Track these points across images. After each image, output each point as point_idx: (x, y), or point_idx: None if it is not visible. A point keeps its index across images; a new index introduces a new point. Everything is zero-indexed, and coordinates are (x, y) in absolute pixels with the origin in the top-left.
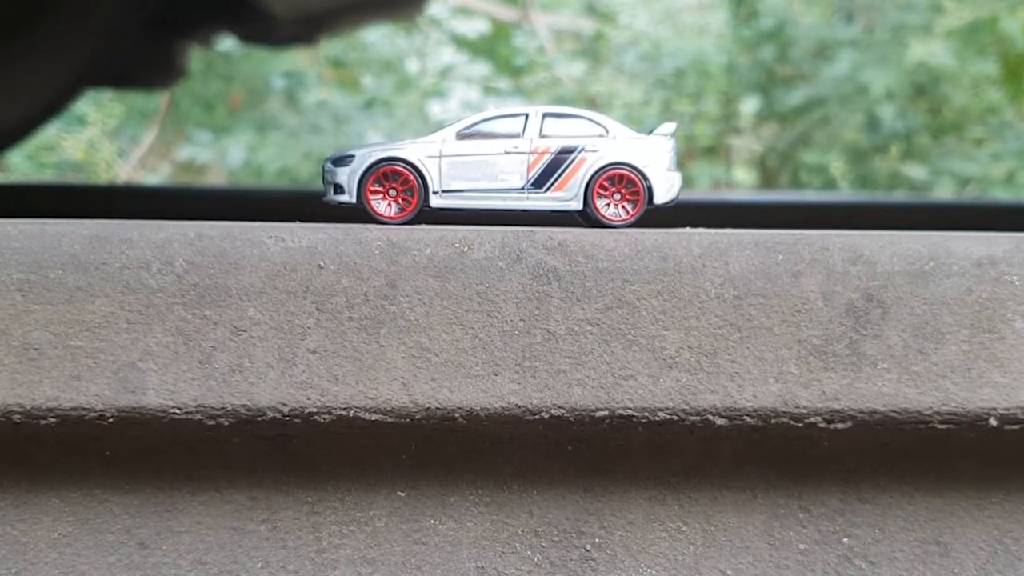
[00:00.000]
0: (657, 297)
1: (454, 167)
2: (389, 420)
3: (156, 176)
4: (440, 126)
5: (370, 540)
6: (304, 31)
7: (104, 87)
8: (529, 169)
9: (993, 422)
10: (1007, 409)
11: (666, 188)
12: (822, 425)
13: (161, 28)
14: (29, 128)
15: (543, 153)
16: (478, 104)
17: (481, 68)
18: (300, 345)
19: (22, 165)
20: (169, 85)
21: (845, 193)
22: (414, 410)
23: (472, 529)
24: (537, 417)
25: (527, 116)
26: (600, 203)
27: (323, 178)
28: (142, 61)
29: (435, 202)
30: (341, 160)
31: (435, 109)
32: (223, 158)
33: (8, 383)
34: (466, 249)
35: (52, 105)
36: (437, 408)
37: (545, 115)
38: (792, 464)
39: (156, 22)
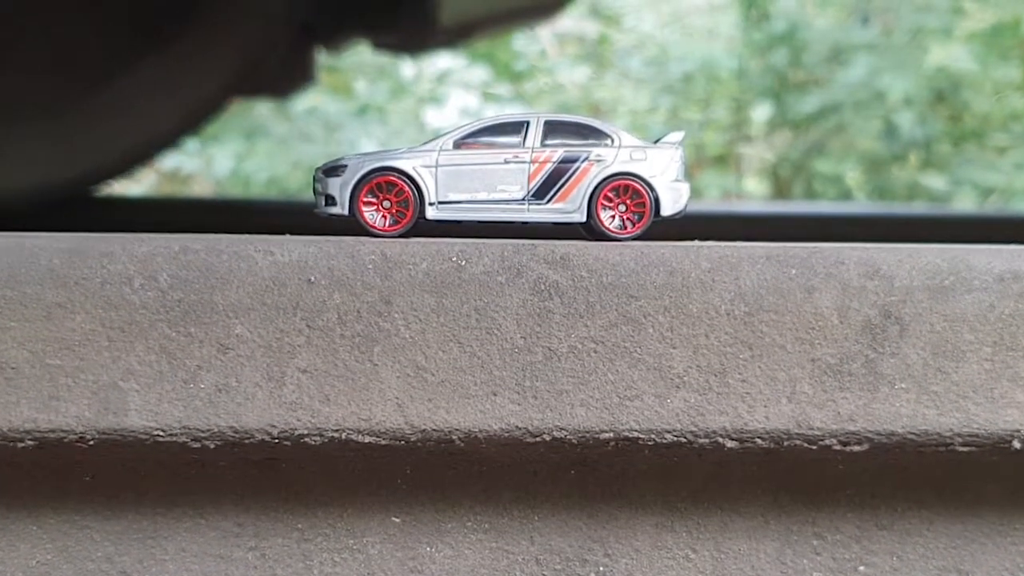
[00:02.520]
0: (664, 313)
1: (451, 177)
2: (383, 443)
3: (139, 186)
4: (437, 134)
5: (363, 568)
6: (455, 38)
7: (246, 96)
8: (530, 179)
9: (1017, 444)
10: None
11: (674, 199)
12: (837, 448)
13: (305, 34)
14: (174, 139)
15: (545, 162)
16: (476, 111)
17: (480, 73)
18: (290, 364)
19: None
20: (297, 94)
21: (861, 204)
22: (409, 432)
23: (470, 557)
24: (538, 439)
25: (528, 123)
26: (604, 215)
27: (314, 189)
28: (280, 68)
29: (431, 214)
30: (333, 170)
31: (431, 116)
32: (209, 167)
33: None
34: (464, 263)
35: (198, 116)
36: (433, 430)
37: (547, 122)
38: (806, 489)
39: (305, 28)
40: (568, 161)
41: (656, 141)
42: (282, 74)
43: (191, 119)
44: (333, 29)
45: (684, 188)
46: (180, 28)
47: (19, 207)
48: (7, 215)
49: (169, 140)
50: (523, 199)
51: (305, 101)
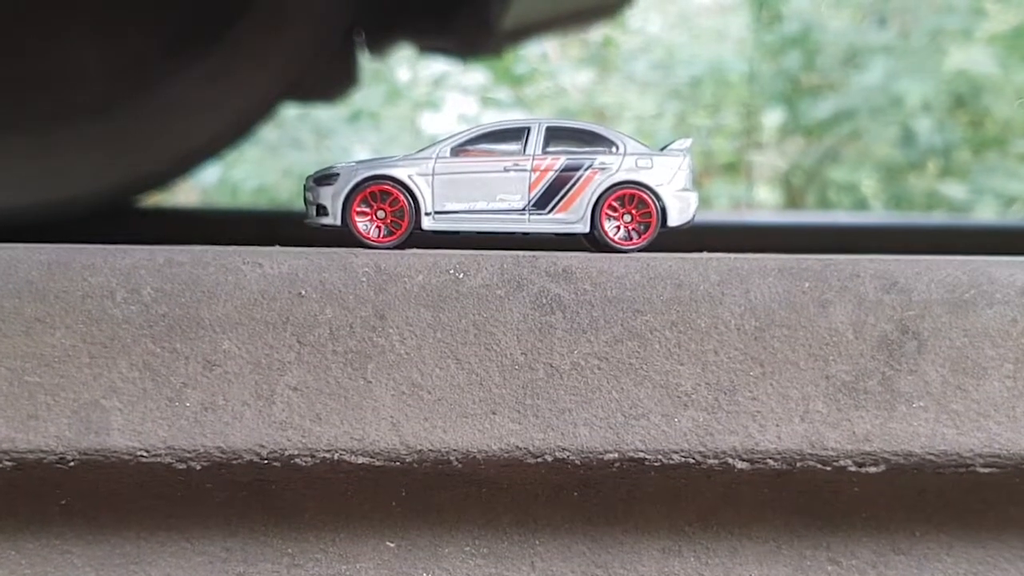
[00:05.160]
0: (671, 328)
1: (448, 186)
2: (377, 463)
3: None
4: (433, 141)
5: None
6: (510, 41)
7: (292, 100)
8: (531, 188)
9: None
10: None
11: (681, 209)
12: (852, 469)
13: (351, 37)
14: (221, 147)
15: (546, 171)
16: (475, 117)
17: (478, 77)
18: (279, 381)
19: None
20: (341, 98)
21: (878, 214)
22: (404, 452)
23: None
24: (540, 460)
25: (529, 130)
26: (609, 225)
27: (304, 198)
28: (325, 72)
29: (427, 224)
30: (324, 178)
31: (428, 122)
32: (195, 175)
33: None
34: (461, 276)
35: (247, 122)
36: (430, 450)
37: (549, 129)
38: (820, 511)
39: (352, 31)
40: (571, 169)
41: (663, 148)
42: (327, 78)
43: (239, 125)
44: (381, 32)
45: (692, 197)
46: (228, 32)
47: (60, 217)
48: (47, 225)
49: (217, 147)
50: (524, 209)
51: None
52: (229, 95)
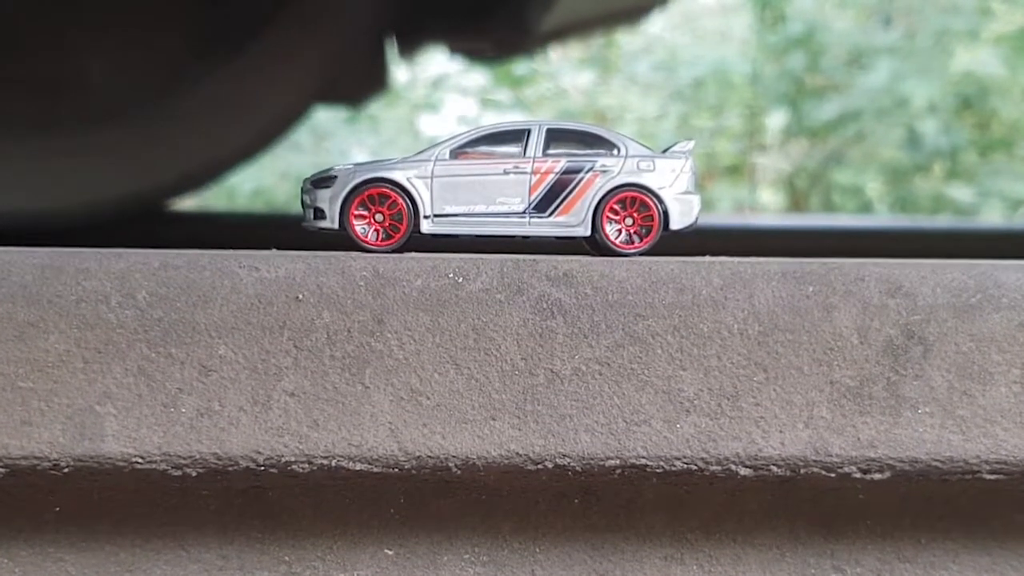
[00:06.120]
0: (673, 333)
1: (447, 189)
2: (375, 470)
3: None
4: (432, 143)
5: None
6: (546, 42)
7: (322, 104)
8: (531, 191)
9: None
10: None
11: (683, 212)
12: (857, 475)
13: (382, 39)
14: (253, 150)
15: (547, 173)
16: (474, 118)
17: (478, 78)
18: (276, 387)
19: None
20: (370, 102)
21: (883, 217)
22: (403, 459)
23: None
24: (540, 467)
25: (529, 132)
26: (610, 229)
27: (302, 201)
28: (355, 75)
29: (426, 228)
30: (322, 181)
31: (426, 124)
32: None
33: None
34: (461, 280)
35: (279, 126)
36: (428, 457)
37: (549, 131)
38: (824, 519)
39: (383, 33)
40: (572, 172)
41: (665, 150)
42: (357, 81)
43: (271, 129)
44: (412, 34)
45: (694, 200)
46: (261, 34)
47: (88, 221)
48: (76, 229)
49: (248, 151)
50: (524, 212)
51: None
52: (261, 98)
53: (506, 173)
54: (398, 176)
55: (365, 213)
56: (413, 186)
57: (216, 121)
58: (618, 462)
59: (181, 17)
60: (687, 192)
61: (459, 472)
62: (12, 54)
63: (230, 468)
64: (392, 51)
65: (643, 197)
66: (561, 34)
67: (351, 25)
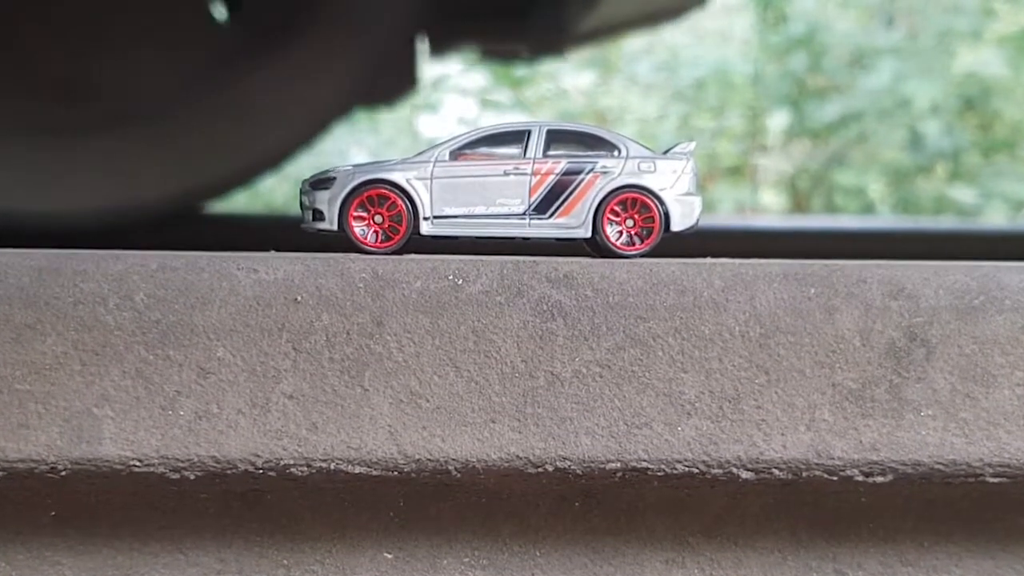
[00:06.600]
0: (674, 335)
1: (447, 190)
2: (374, 473)
3: None
4: (432, 144)
5: None
6: (583, 42)
7: (359, 105)
8: (531, 192)
9: None
10: None
11: (684, 213)
12: (859, 478)
13: (415, 40)
14: (290, 152)
15: (547, 174)
16: (474, 119)
17: (477, 78)
18: (275, 389)
19: None
20: (401, 102)
21: (885, 219)
22: (402, 462)
23: None
24: (540, 470)
25: (529, 133)
26: (611, 230)
27: (300, 202)
28: (386, 75)
29: (426, 229)
30: (321, 182)
31: (426, 125)
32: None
33: None
34: (460, 282)
35: (316, 127)
36: (428, 460)
37: (549, 132)
38: (826, 522)
39: (424, 32)
40: (572, 173)
41: (666, 151)
42: (391, 81)
43: (309, 130)
44: (446, 35)
45: (696, 202)
46: (300, 35)
47: (122, 223)
48: (108, 231)
49: (285, 153)
50: (524, 213)
51: None
52: (299, 99)
53: (506, 174)
54: (397, 177)
55: (364, 215)
56: (413, 187)
57: (254, 122)
58: (619, 465)
59: (221, 17)
60: (688, 193)
61: (459, 475)
62: (48, 55)
63: (228, 471)
64: (424, 51)
65: (644, 198)
66: (598, 35)
67: (388, 26)
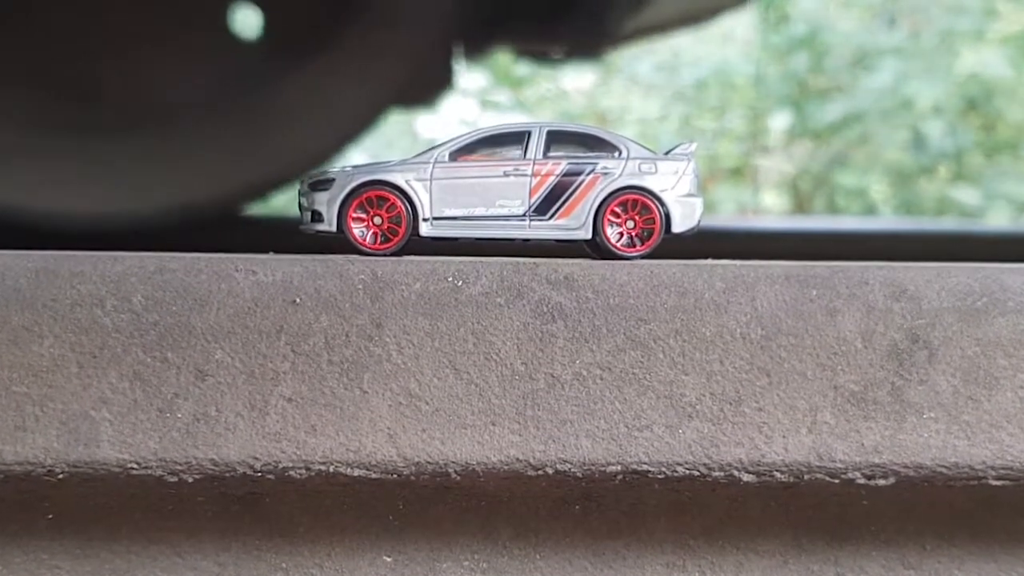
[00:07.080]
0: (675, 337)
1: (447, 191)
2: (373, 476)
3: None
4: (431, 145)
5: None
6: (620, 44)
7: (396, 106)
8: (531, 193)
9: None
10: None
11: (685, 215)
12: (861, 481)
13: (452, 40)
14: (330, 153)
15: (547, 176)
16: (474, 120)
17: (477, 79)
18: (273, 392)
19: None
20: (437, 102)
21: (887, 220)
22: (402, 465)
23: None
24: (540, 473)
25: (529, 134)
26: (611, 232)
27: (299, 204)
28: (423, 75)
29: (425, 231)
30: (319, 183)
31: (425, 125)
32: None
33: None
34: (460, 283)
35: (356, 128)
36: (427, 462)
37: (550, 132)
38: (828, 525)
39: (460, 33)
40: (572, 174)
41: (667, 152)
42: (428, 82)
43: (349, 131)
44: (481, 36)
45: (697, 203)
46: (338, 36)
47: (161, 225)
48: (146, 234)
49: (326, 153)
50: (524, 215)
51: None
52: (338, 100)
53: (506, 175)
54: (397, 178)
55: (363, 216)
56: (412, 189)
57: (294, 124)
58: (619, 468)
59: (258, 18)
60: (689, 194)
61: (458, 478)
62: (91, 56)
63: (227, 474)
64: (460, 51)
65: (645, 200)
66: (636, 36)
67: (427, 27)
